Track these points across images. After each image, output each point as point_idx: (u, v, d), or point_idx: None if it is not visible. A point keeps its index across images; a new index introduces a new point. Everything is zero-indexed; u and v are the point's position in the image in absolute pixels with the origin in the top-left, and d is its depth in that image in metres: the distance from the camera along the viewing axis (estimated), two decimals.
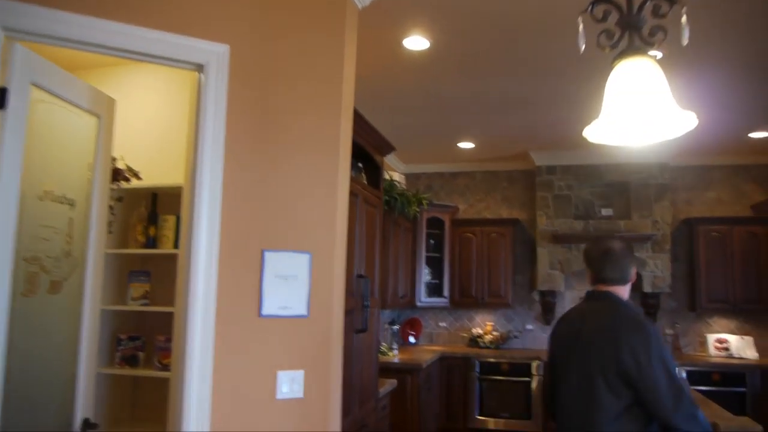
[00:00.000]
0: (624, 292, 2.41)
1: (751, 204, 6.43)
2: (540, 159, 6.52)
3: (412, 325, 6.80)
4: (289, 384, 2.49)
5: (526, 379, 6.05)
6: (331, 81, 2.69)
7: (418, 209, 6.15)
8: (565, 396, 2.29)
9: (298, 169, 2.60)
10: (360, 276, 3.32)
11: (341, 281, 2.79)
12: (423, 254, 6.49)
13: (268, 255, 2.48)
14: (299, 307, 2.57)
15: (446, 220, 6.70)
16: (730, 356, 5.97)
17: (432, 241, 6.68)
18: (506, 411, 6.05)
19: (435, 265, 6.66)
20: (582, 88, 4.43)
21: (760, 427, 3.07)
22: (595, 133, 1.69)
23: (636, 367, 2.07)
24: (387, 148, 3.89)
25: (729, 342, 6.07)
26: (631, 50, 1.62)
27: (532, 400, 6.00)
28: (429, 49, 3.73)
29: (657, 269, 6.16)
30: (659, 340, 2.15)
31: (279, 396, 2.45)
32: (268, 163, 2.52)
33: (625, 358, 2.09)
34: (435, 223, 6.66)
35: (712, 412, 3.33)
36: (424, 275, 6.51)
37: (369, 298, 3.43)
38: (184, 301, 2.30)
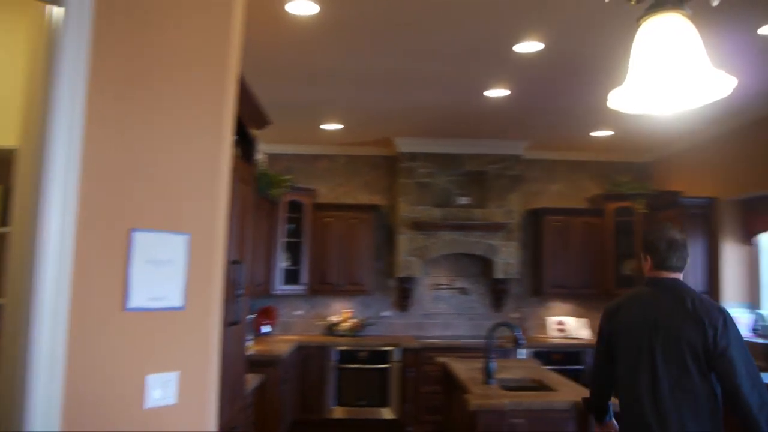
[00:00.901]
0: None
1: (586, 197, 7.00)
2: (403, 145, 6.50)
3: (267, 314, 6.44)
4: (162, 389, 2.10)
5: (385, 366, 6.01)
6: (219, 33, 2.31)
7: (280, 191, 5.80)
8: (645, 381, 2.35)
9: (177, 135, 2.19)
10: (234, 261, 2.95)
11: (221, 267, 2.42)
12: (281, 239, 6.16)
13: (137, 236, 2.06)
14: (174, 298, 2.17)
15: (307, 203, 6.42)
16: (568, 337, 6.45)
17: (291, 226, 6.37)
18: (363, 399, 5.97)
19: (293, 250, 6.35)
20: (462, 73, 4.41)
21: None
22: (619, 100, 1.53)
23: (723, 348, 2.24)
24: (263, 121, 3.53)
25: (566, 324, 6.57)
26: (660, 4, 1.47)
27: (389, 387, 5.98)
28: (318, 14, 3.44)
29: (508, 256, 6.45)
30: (735, 323, 2.33)
31: (148, 404, 2.05)
32: (142, 125, 2.09)
33: (713, 340, 2.25)
34: (295, 207, 6.35)
35: (577, 392, 3.47)
36: (282, 261, 6.19)
37: (243, 286, 3.07)
38: (24, 293, 1.81)
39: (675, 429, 2.28)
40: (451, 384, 4.58)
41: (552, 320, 6.62)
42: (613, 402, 2.73)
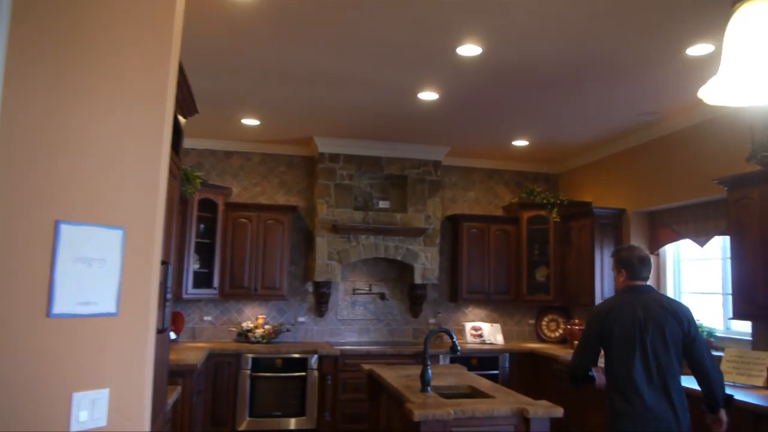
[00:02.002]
0: None
1: (501, 204, 7.15)
2: (324, 145, 6.29)
3: (173, 320, 5.97)
4: (90, 409, 1.80)
5: (302, 374, 5.76)
6: (163, 6, 2.04)
7: (193, 188, 5.40)
8: (638, 368, 2.96)
9: (114, 114, 1.90)
10: (163, 262, 2.63)
11: (158, 268, 2.14)
12: (192, 240, 5.74)
13: (65, 229, 1.76)
14: (106, 303, 1.88)
15: (220, 202, 6.04)
16: (483, 342, 6.53)
17: (202, 226, 5.96)
18: (279, 409, 5.68)
19: (205, 252, 5.95)
20: (397, 74, 4.30)
21: (561, 409, 3.26)
22: (713, 93, 1.42)
23: (693, 335, 3.00)
24: (193, 109, 3.21)
25: (482, 329, 6.64)
26: None
27: (306, 395, 5.73)
28: (248, 2, 3.20)
29: (427, 262, 6.43)
30: None
31: (74, 428, 1.74)
32: (72, 100, 1.79)
33: (687, 330, 3.00)
34: (207, 206, 5.95)
35: (515, 398, 3.46)
36: (192, 264, 5.77)
37: (171, 289, 2.76)
38: None
39: (661, 405, 2.92)
40: (377, 392, 4.44)
41: (468, 325, 6.67)
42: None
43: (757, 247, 3.96)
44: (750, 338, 4.42)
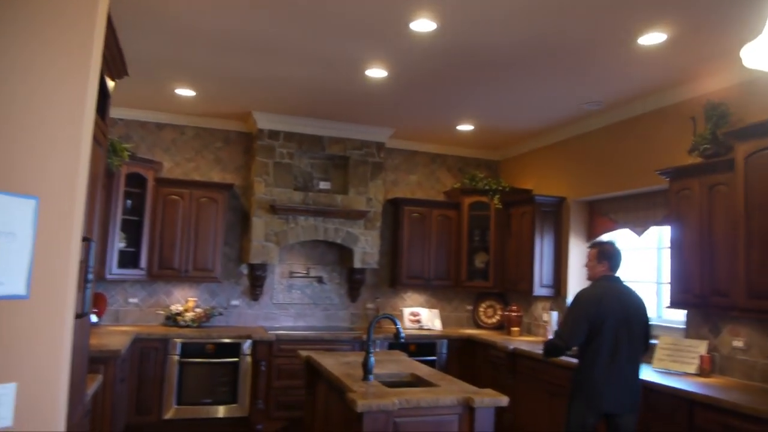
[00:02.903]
0: None
1: (443, 190, 7.08)
2: (263, 121, 6.00)
3: (95, 302, 5.56)
4: None
5: (234, 359, 5.50)
6: None
7: (120, 161, 5.01)
8: (623, 349, 3.47)
9: (30, 70, 1.63)
10: (85, 239, 2.35)
11: (79, 244, 1.89)
12: (118, 217, 5.35)
13: None
14: (14, 283, 1.62)
15: (149, 177, 5.65)
16: (421, 328, 6.46)
17: (130, 202, 5.57)
18: (209, 397, 5.41)
19: (132, 230, 5.56)
20: (346, 48, 4.08)
21: (506, 398, 3.20)
22: (754, 55, 1.29)
23: (648, 323, 3.68)
24: (122, 70, 2.90)
25: (420, 315, 6.58)
26: None
27: (239, 382, 5.49)
28: None
29: (367, 245, 6.28)
30: None
31: None
32: None
33: (646, 319, 3.67)
34: (135, 181, 5.56)
35: (460, 387, 3.37)
36: (118, 242, 5.38)
37: (93, 269, 2.47)
38: None
39: (635, 378, 3.55)
40: (314, 379, 4.27)
41: (407, 311, 6.59)
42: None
43: (695, 237, 4.03)
44: (682, 326, 4.53)
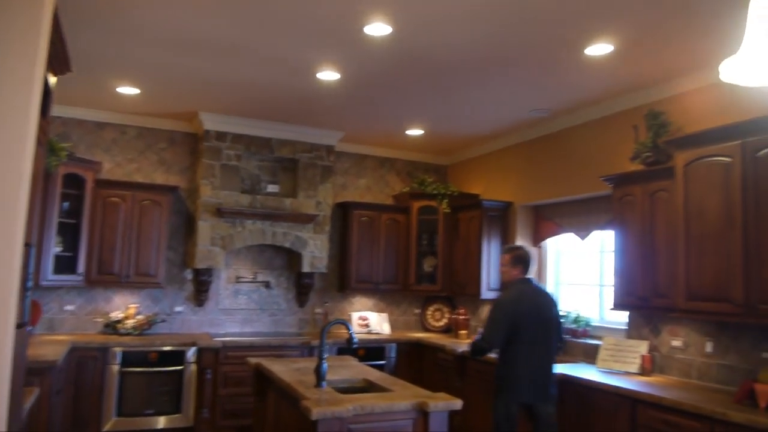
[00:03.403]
0: None
1: (391, 194, 7.09)
2: (210, 122, 5.85)
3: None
4: None
5: (178, 368, 5.33)
6: None
7: (57, 161, 4.77)
8: (532, 349, 3.72)
9: None
10: (26, 244, 2.21)
11: (21, 250, 1.78)
12: (54, 219, 5.09)
13: None
14: None
15: (88, 179, 5.41)
16: (370, 332, 6.44)
17: (67, 204, 5.31)
18: (151, 407, 5.21)
19: (69, 233, 5.31)
20: (298, 49, 4.02)
21: (459, 401, 3.22)
22: (733, 71, 1.30)
23: (559, 319, 3.97)
24: (66, 65, 2.75)
25: (369, 319, 6.56)
26: None
27: (183, 391, 5.31)
28: None
29: (316, 249, 6.22)
30: None
31: None
32: None
33: (558, 315, 3.94)
34: (73, 182, 5.30)
35: (413, 392, 3.37)
36: (53, 246, 5.12)
37: (32, 275, 2.33)
38: None
39: (550, 371, 3.81)
40: (264, 386, 4.18)
41: (355, 315, 6.55)
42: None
43: (638, 241, 4.19)
44: (623, 327, 4.69)
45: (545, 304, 3.86)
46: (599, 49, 3.77)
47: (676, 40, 3.61)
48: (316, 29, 3.71)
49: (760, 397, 3.13)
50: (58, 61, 2.64)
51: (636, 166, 4.40)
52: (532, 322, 3.73)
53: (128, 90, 5.12)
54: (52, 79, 2.71)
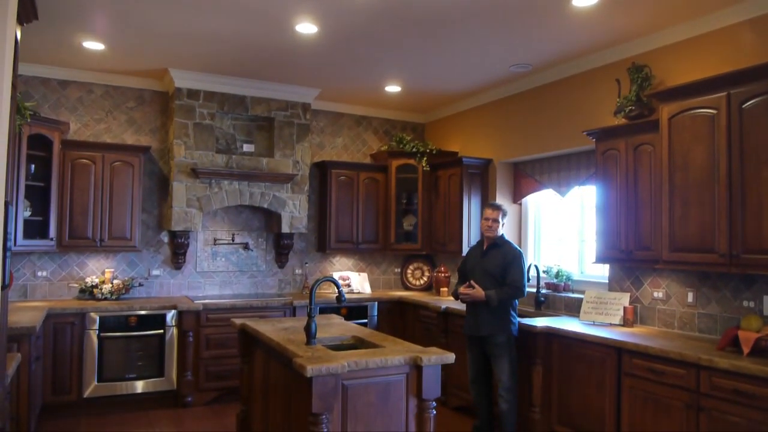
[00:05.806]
0: None
1: (369, 152, 7.00)
2: (181, 80, 5.63)
3: None
4: None
5: (159, 331, 5.24)
6: None
7: (22, 121, 4.54)
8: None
9: None
10: (6, 202, 2.09)
11: (2, 207, 1.67)
12: (22, 182, 4.86)
13: None
14: None
15: (55, 140, 5.18)
16: (351, 291, 6.43)
17: (34, 166, 5.09)
18: (133, 371, 5.14)
19: (37, 197, 5.10)
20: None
21: (452, 355, 3.23)
22: None
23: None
24: (31, 12, 2.57)
25: (350, 279, 6.54)
26: None
27: (165, 355, 5.24)
28: None
29: (295, 210, 6.12)
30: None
31: None
32: None
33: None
34: (39, 143, 5.07)
35: (405, 347, 3.37)
36: (22, 210, 4.92)
37: (11, 236, 2.22)
38: None
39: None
40: (250, 347, 4.14)
41: (336, 275, 6.52)
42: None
43: (621, 195, 4.21)
44: (604, 281, 4.76)
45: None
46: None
47: None
48: None
49: (744, 344, 3.21)
50: (23, 8, 2.46)
51: (619, 121, 4.39)
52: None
53: (93, 45, 4.87)
54: (17, 27, 2.53)
